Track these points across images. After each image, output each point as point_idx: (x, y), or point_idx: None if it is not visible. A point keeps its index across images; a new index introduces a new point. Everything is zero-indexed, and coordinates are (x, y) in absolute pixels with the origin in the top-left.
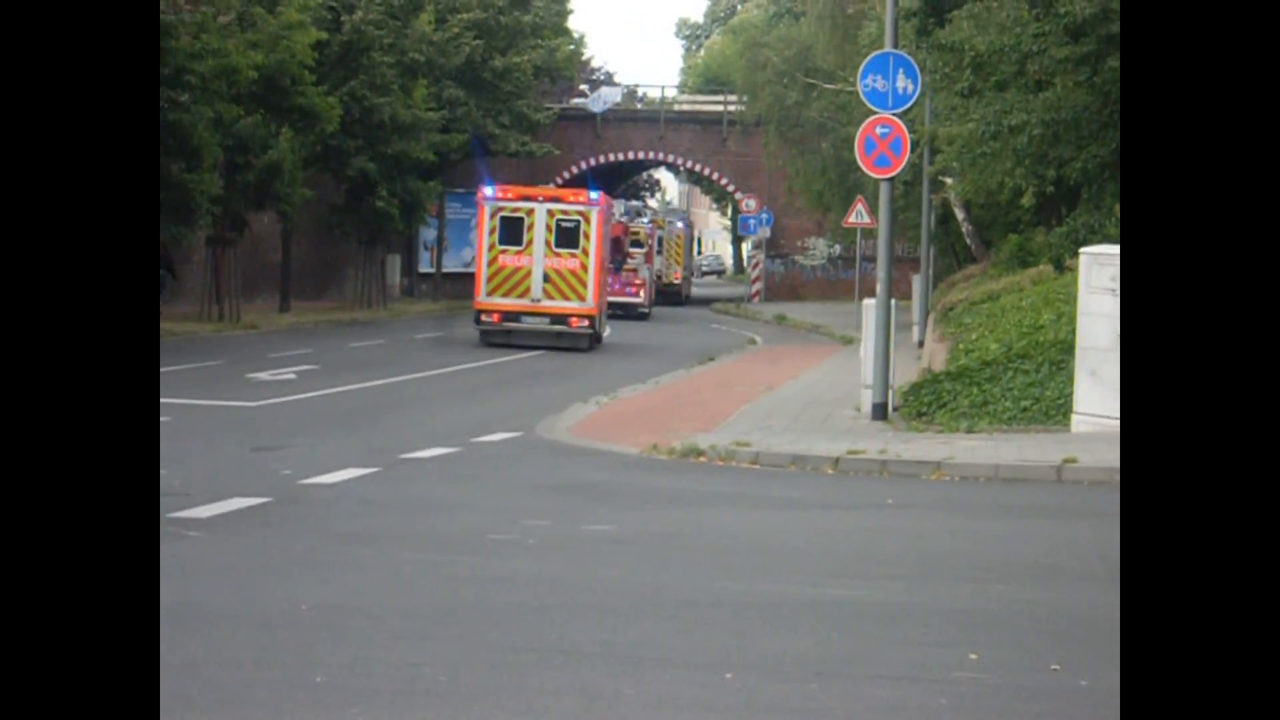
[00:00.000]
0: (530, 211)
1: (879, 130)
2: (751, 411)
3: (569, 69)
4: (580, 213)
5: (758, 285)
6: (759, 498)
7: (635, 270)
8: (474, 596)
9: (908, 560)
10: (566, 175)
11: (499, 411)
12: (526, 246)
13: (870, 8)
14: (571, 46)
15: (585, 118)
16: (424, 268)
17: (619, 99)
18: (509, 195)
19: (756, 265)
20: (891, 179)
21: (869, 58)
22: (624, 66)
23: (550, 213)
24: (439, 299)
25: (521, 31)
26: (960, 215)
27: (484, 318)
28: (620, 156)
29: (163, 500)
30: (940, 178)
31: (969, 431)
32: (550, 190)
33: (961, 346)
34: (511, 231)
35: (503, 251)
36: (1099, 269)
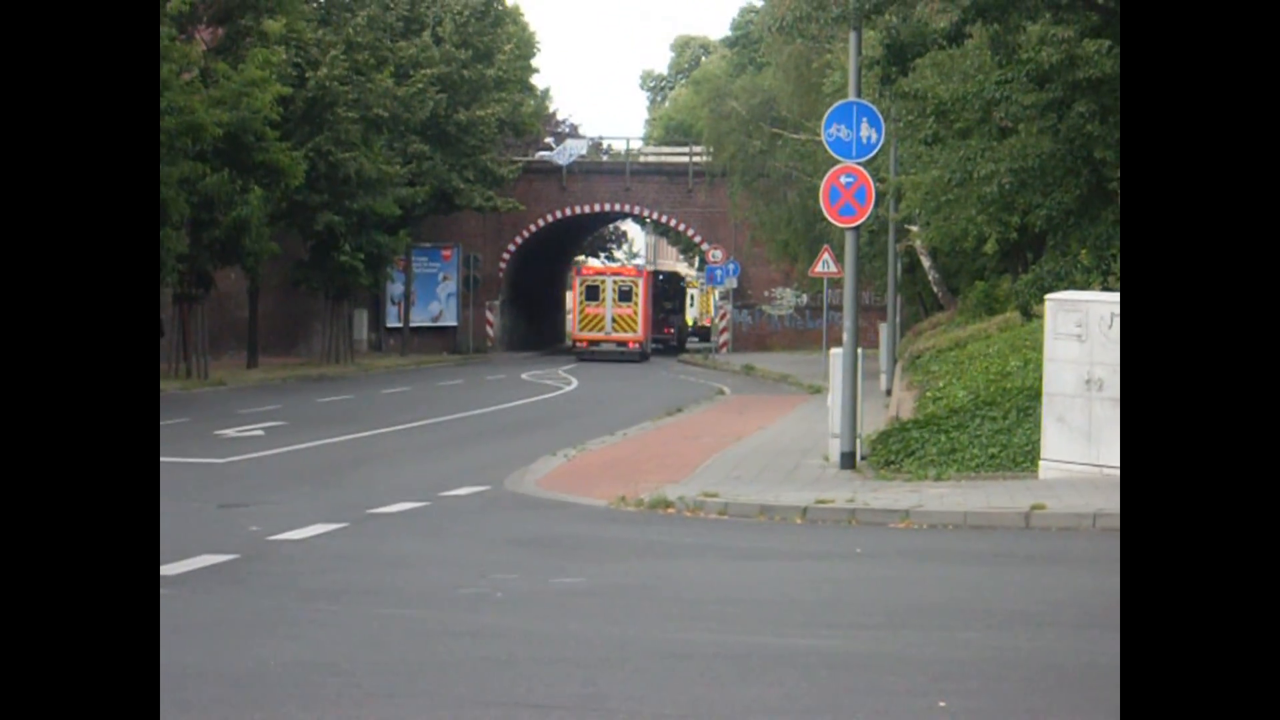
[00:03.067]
0: (603, 281)
1: (843, 179)
2: (720, 462)
3: (533, 122)
4: (632, 281)
5: (725, 335)
6: (728, 548)
7: (670, 316)
8: (443, 651)
9: (877, 609)
10: (533, 228)
11: (466, 465)
12: (601, 302)
13: (834, 57)
14: (534, 101)
15: (550, 171)
16: (392, 322)
17: (584, 151)
18: (590, 272)
19: (724, 316)
20: (857, 228)
21: (833, 107)
22: (589, 119)
23: (615, 282)
24: (407, 353)
25: (485, 85)
26: (926, 263)
27: (578, 344)
28: (586, 209)
29: None
30: (905, 225)
31: (937, 479)
32: (614, 267)
33: (929, 394)
34: (592, 293)
35: (588, 305)
36: (1065, 315)
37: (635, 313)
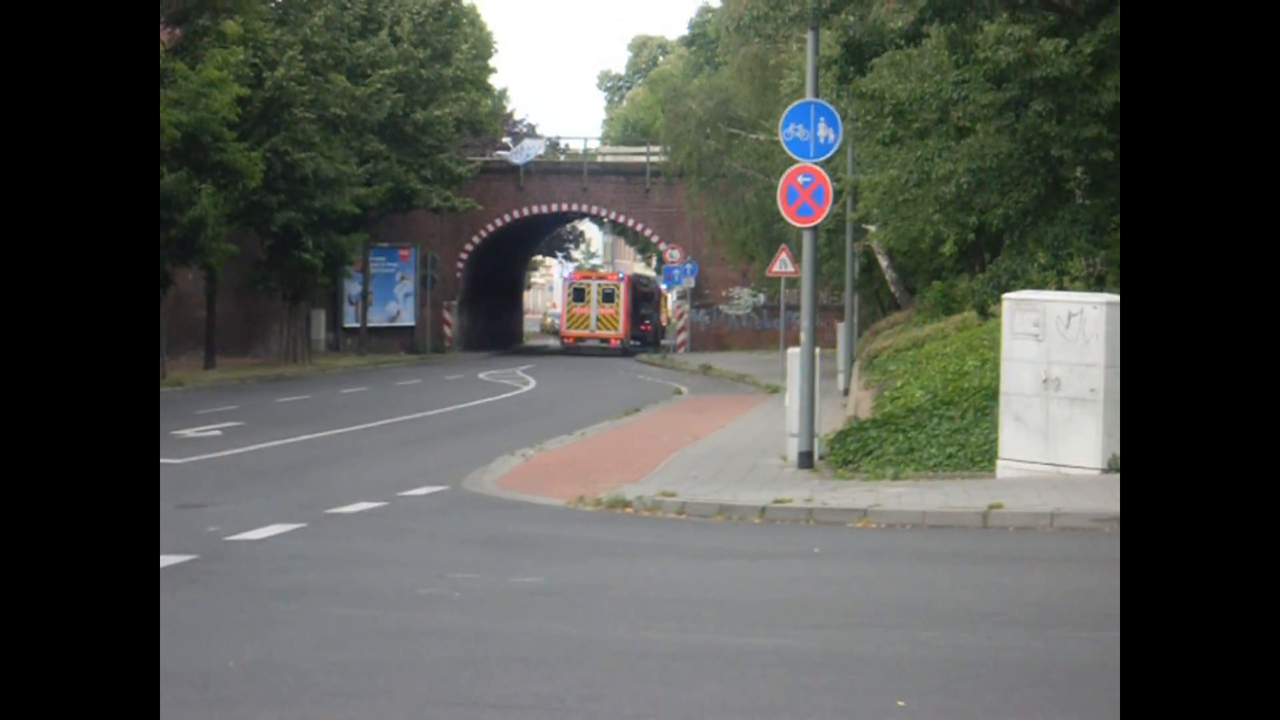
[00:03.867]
0: (589, 284)
1: (801, 179)
2: (678, 462)
3: (491, 122)
4: (615, 285)
5: (683, 335)
6: (686, 548)
7: (647, 317)
8: (402, 651)
9: (835, 608)
10: (490, 229)
11: (425, 465)
12: (587, 302)
13: (791, 57)
14: (491, 101)
15: (508, 170)
16: (349, 322)
17: (541, 151)
18: (578, 276)
19: (681, 315)
20: (815, 228)
21: (790, 107)
22: (546, 119)
23: (599, 285)
24: (364, 353)
25: (443, 85)
26: (884, 263)
27: (565, 340)
28: (543, 209)
29: None
30: (863, 225)
31: (895, 479)
32: (599, 272)
33: (887, 394)
34: (579, 295)
35: (575, 305)
36: (1022, 314)
37: (617, 312)
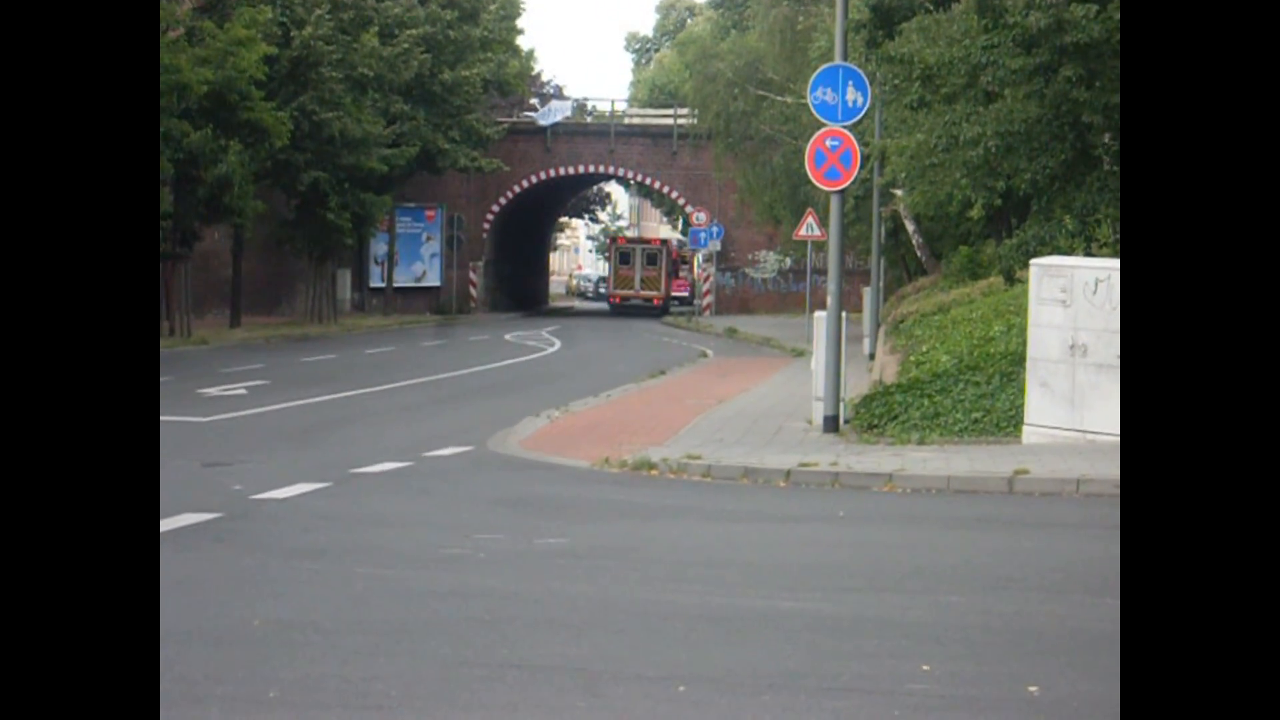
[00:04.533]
0: (634, 249)
1: (829, 143)
2: (703, 425)
3: (518, 83)
4: (658, 249)
5: (709, 298)
6: (711, 510)
7: (684, 278)
8: (426, 611)
9: (860, 572)
10: (517, 189)
11: (450, 426)
12: (632, 265)
13: (820, 21)
14: (519, 62)
15: (535, 132)
16: (375, 282)
17: (569, 113)
18: (622, 241)
19: (707, 278)
20: (842, 192)
21: (819, 70)
22: (574, 80)
23: (643, 249)
24: (390, 313)
25: (470, 45)
26: (911, 228)
27: (611, 300)
28: (570, 170)
29: None
30: (890, 189)
31: (920, 443)
32: (643, 237)
33: (912, 359)
34: (624, 258)
35: (621, 267)
36: (1049, 280)
37: (659, 274)
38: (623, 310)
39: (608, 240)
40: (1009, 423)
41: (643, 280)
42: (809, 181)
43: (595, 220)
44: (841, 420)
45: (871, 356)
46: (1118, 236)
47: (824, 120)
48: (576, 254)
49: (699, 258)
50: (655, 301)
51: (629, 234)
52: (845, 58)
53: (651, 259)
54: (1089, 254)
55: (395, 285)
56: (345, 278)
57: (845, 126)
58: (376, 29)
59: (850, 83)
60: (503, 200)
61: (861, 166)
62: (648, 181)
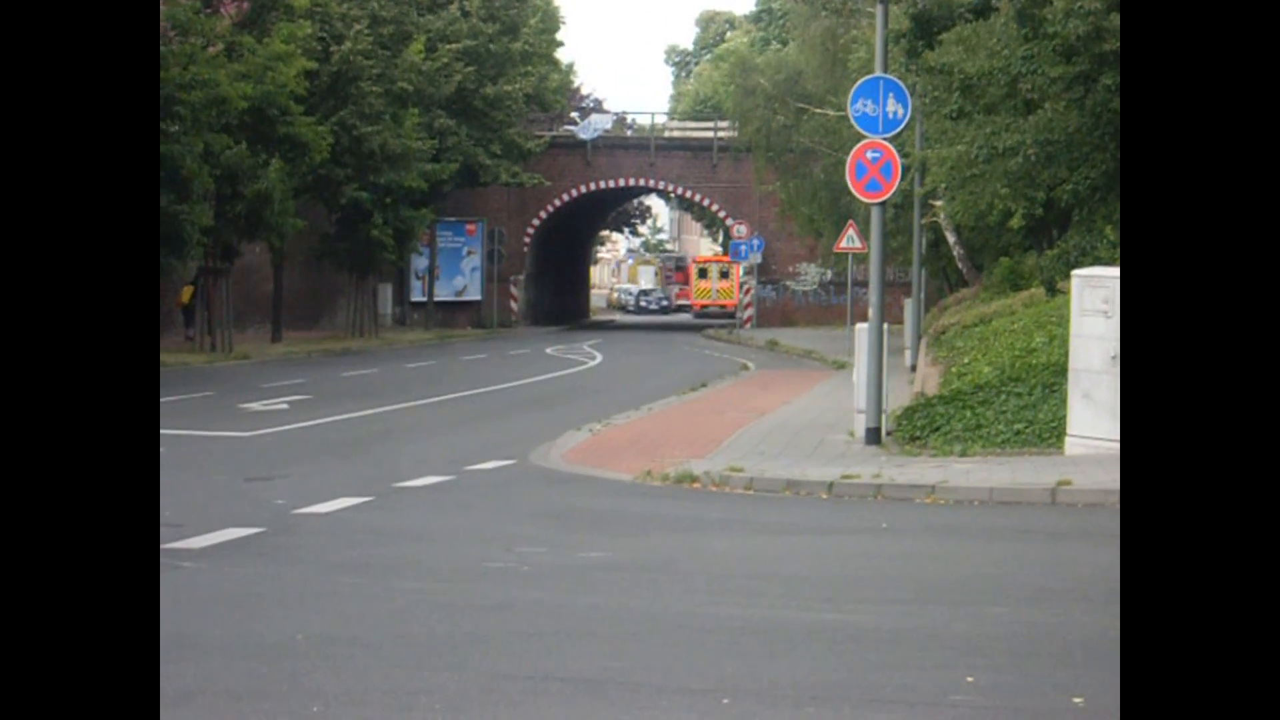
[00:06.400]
0: (710, 266)
1: (869, 155)
2: (745, 437)
3: (558, 97)
4: (729, 265)
5: (749, 311)
6: (753, 523)
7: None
8: (469, 625)
9: (903, 584)
10: (557, 203)
11: (492, 439)
12: (709, 279)
13: (860, 32)
14: (559, 76)
15: (575, 145)
16: (416, 296)
17: (609, 126)
18: (700, 260)
19: (748, 291)
20: (883, 203)
21: (859, 82)
22: (613, 94)
23: (717, 266)
24: (431, 328)
25: (511, 59)
26: (951, 239)
27: (695, 307)
28: (610, 183)
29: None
30: (930, 200)
31: (963, 455)
32: (717, 255)
33: (954, 370)
34: (703, 273)
35: (700, 281)
36: (1091, 291)
37: (731, 286)
38: (666, 325)
39: (628, 251)
40: (1051, 434)
41: (718, 291)
42: (849, 193)
43: (635, 234)
44: (883, 432)
45: (913, 368)
46: None
47: (864, 132)
48: (617, 268)
49: (739, 270)
50: (728, 305)
51: (656, 242)
52: (885, 69)
53: (724, 274)
54: None
55: (436, 300)
56: (386, 292)
57: (886, 138)
58: (424, 42)
59: (891, 94)
60: (543, 214)
61: (902, 178)
62: (688, 194)
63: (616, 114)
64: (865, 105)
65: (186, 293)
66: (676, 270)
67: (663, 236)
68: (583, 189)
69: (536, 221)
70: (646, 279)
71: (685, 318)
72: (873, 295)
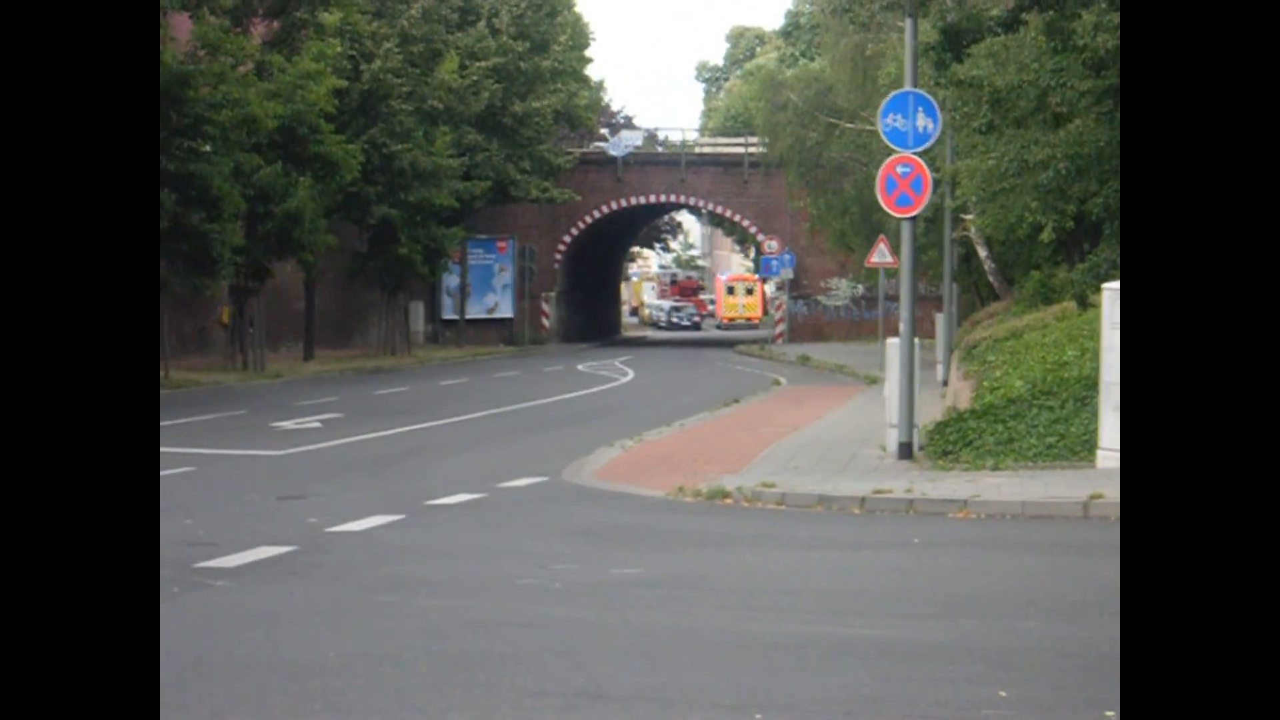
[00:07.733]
0: (737, 284)
1: (900, 169)
2: (777, 452)
3: (588, 114)
4: (754, 283)
5: (781, 326)
6: (786, 538)
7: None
8: (502, 642)
9: (935, 598)
10: (588, 220)
11: (524, 456)
12: (736, 295)
13: (889, 47)
14: (589, 92)
15: (606, 162)
16: (447, 314)
17: (639, 142)
18: (730, 280)
19: (780, 306)
20: (914, 218)
21: (889, 97)
22: (644, 110)
23: (744, 284)
24: (463, 345)
25: (541, 76)
26: (983, 253)
27: (723, 320)
28: (641, 200)
29: (189, 550)
30: (960, 214)
31: (995, 469)
32: (744, 275)
33: (986, 384)
34: (731, 290)
35: (728, 297)
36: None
37: (756, 302)
38: (698, 341)
39: (717, 281)
40: (1083, 447)
41: (744, 305)
42: (880, 208)
43: (667, 250)
44: (915, 447)
45: (944, 382)
46: None
47: (895, 147)
48: (648, 285)
49: (769, 286)
50: (753, 319)
51: (687, 258)
52: (915, 84)
53: (749, 291)
54: None
55: (468, 317)
56: (418, 310)
57: (916, 153)
58: (457, 59)
59: (920, 109)
60: (574, 230)
61: (933, 192)
62: (719, 210)
63: (647, 130)
64: (895, 120)
65: (225, 312)
66: (672, 285)
67: (694, 252)
68: (613, 205)
69: (567, 238)
70: (649, 294)
71: (716, 333)
72: (904, 310)
